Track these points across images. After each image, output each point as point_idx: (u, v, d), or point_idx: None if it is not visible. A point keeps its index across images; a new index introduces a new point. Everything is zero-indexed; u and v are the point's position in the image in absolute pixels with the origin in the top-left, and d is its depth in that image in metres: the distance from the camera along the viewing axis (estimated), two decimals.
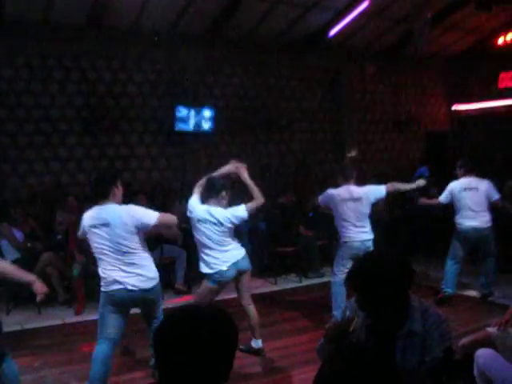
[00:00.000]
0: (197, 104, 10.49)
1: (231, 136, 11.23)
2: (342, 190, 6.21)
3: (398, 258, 2.56)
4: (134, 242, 4.26)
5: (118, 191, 4.36)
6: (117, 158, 10.10)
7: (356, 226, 6.11)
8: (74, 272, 7.00)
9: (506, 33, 11.75)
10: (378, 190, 6.23)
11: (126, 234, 4.21)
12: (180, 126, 10.27)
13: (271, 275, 8.38)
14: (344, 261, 6.06)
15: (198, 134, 10.56)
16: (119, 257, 4.22)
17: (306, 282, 8.27)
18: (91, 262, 7.04)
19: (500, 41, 11.93)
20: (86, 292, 7.05)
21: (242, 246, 9.32)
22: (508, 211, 7.28)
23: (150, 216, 4.30)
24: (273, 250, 8.51)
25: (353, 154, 12.40)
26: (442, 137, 14.31)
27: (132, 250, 4.25)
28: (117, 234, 4.19)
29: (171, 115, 10.26)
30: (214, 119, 10.54)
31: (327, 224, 9.26)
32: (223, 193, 5.14)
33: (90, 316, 6.52)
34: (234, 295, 7.49)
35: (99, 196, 4.34)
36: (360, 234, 6.11)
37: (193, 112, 10.31)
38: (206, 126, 10.48)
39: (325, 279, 8.30)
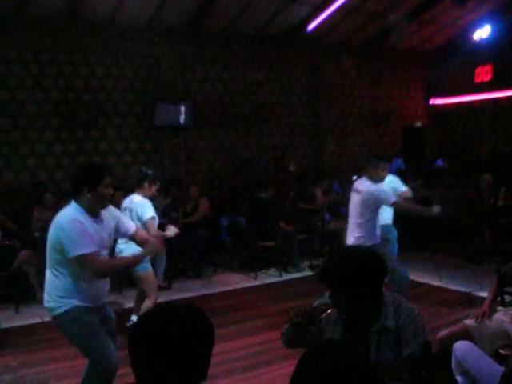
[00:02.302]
0: (175, 98, 10.44)
1: (210, 131, 11.21)
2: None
3: (371, 254, 2.59)
4: None
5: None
6: (95, 153, 10.01)
7: None
8: None
9: (481, 27, 11.87)
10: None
11: None
12: (159, 121, 10.22)
13: (251, 270, 8.38)
14: None
15: (176, 128, 10.52)
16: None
17: (286, 277, 8.28)
18: None
19: (476, 35, 12.05)
20: None
21: (223, 240, 9.45)
22: None
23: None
24: (253, 245, 8.50)
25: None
26: (420, 131, 14.43)
27: None
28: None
29: (149, 110, 10.21)
30: (193, 114, 10.51)
31: (307, 218, 9.35)
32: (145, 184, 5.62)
33: None
34: (213, 291, 7.56)
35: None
36: None
37: (171, 107, 10.26)
38: (185, 120, 10.43)
39: (305, 273, 8.35)
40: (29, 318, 6.57)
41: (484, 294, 5.51)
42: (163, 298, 7.18)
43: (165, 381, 1.63)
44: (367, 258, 2.53)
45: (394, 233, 7.54)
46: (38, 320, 6.48)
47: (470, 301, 6.37)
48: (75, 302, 3.45)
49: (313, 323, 2.55)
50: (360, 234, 5.47)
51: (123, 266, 4.29)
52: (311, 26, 10.93)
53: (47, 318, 6.48)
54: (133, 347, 1.66)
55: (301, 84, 12.47)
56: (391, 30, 9.64)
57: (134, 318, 5.89)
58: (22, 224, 7.99)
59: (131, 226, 3.93)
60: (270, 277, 8.34)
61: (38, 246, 7.40)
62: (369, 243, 5.40)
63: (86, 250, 3.36)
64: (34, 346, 5.60)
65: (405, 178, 10.53)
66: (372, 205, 5.42)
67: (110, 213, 3.72)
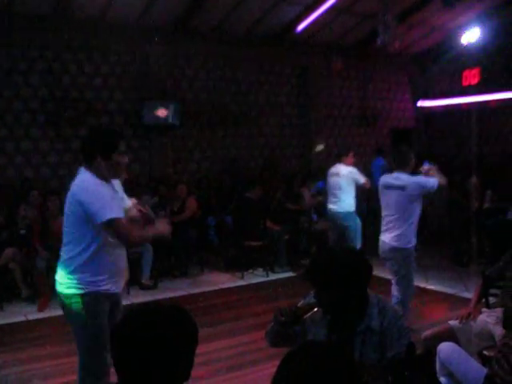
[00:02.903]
0: (164, 97, 10.41)
1: (198, 130, 11.18)
2: None
3: (356, 253, 2.59)
4: None
5: None
6: None
7: None
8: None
9: (470, 31, 11.93)
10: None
11: None
12: (147, 120, 10.19)
13: (238, 270, 8.38)
14: None
15: (165, 127, 10.49)
16: None
17: (272, 277, 8.28)
18: (55, 257, 6.99)
19: (464, 39, 12.12)
20: (50, 288, 6.94)
21: (210, 239, 9.44)
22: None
23: None
24: (240, 245, 8.49)
25: (320, 147, 12.48)
26: (408, 132, 14.48)
27: None
28: None
29: (138, 108, 10.17)
30: (181, 113, 10.48)
31: (294, 218, 9.36)
32: None
33: (53, 312, 6.41)
34: (200, 290, 7.55)
35: None
36: None
37: (160, 105, 10.23)
38: (173, 119, 10.41)
39: (291, 273, 8.36)
40: (13, 316, 6.54)
41: (469, 296, 5.54)
42: (149, 297, 7.19)
43: (147, 381, 1.62)
44: (352, 258, 2.52)
45: (357, 221, 7.75)
46: (22, 318, 6.46)
47: (455, 302, 6.42)
48: (96, 288, 3.19)
49: (297, 323, 2.55)
50: (402, 233, 5.19)
51: (149, 239, 3.84)
52: (301, 27, 10.93)
53: (31, 317, 6.48)
54: (115, 347, 1.65)
55: (290, 84, 12.48)
56: (380, 31, 9.66)
57: None
58: (8, 221, 7.92)
59: (127, 200, 3.70)
60: (256, 277, 8.35)
61: (24, 243, 7.37)
62: (409, 246, 5.21)
63: (114, 214, 3.07)
64: (18, 345, 5.56)
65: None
66: (419, 197, 5.21)
67: (115, 182, 3.46)
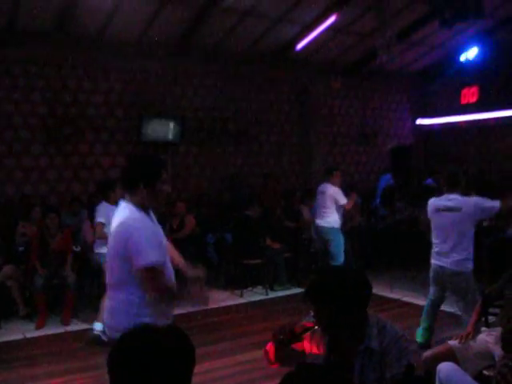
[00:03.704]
0: (164, 114, 10.45)
1: (198, 147, 11.20)
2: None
3: (356, 273, 2.58)
4: None
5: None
6: (82, 167, 9.97)
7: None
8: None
9: (468, 49, 12.04)
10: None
11: None
12: (147, 136, 10.21)
13: (237, 288, 8.34)
14: None
15: (165, 144, 10.52)
16: None
17: (272, 295, 8.24)
18: (53, 274, 6.96)
19: (462, 57, 12.22)
20: (48, 306, 6.91)
21: (209, 257, 9.40)
22: None
23: None
24: (239, 262, 8.47)
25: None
26: (407, 150, 14.53)
27: None
28: None
29: (138, 125, 10.20)
30: (181, 130, 10.52)
31: (294, 236, 9.35)
32: None
33: (51, 330, 6.39)
34: (199, 308, 7.48)
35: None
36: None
37: (160, 122, 10.27)
38: (173, 136, 10.44)
39: (291, 291, 8.32)
40: (11, 333, 6.48)
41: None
42: None
43: None
44: (352, 276, 2.52)
45: (341, 236, 8.00)
46: (20, 336, 6.41)
47: (456, 320, 6.36)
48: None
49: (296, 341, 2.53)
50: (464, 257, 5.12)
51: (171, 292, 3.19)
52: (300, 45, 11.00)
53: (29, 335, 6.44)
54: (111, 369, 1.64)
55: (290, 102, 12.54)
56: (380, 50, 9.73)
57: (98, 325, 5.85)
58: (6, 238, 7.89)
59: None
60: (256, 294, 8.31)
61: (22, 260, 7.34)
62: (470, 268, 5.14)
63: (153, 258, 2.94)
64: (16, 363, 5.51)
65: (393, 196, 10.66)
66: (477, 219, 5.19)
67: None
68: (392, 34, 9.63)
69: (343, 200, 8.13)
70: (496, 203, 5.12)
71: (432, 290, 5.52)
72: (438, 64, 13.67)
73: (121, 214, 3.06)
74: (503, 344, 3.45)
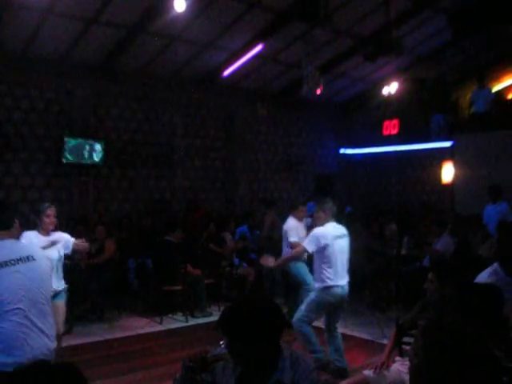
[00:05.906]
0: (87, 135, 10.21)
1: (121, 170, 10.99)
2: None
3: (270, 304, 2.55)
4: None
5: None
6: None
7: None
8: None
9: (389, 84, 12.51)
10: None
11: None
12: (68, 157, 9.93)
13: (157, 314, 8.16)
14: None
15: (87, 166, 10.26)
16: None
17: (192, 322, 8.11)
18: None
19: (384, 91, 12.67)
20: None
21: (130, 282, 9.15)
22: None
23: None
24: (159, 288, 8.30)
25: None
26: (331, 178, 14.83)
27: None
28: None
29: (59, 146, 9.90)
30: (105, 152, 10.30)
31: (215, 262, 9.28)
32: None
33: None
34: (116, 335, 7.26)
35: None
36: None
37: (82, 143, 10.02)
38: (96, 158, 10.22)
39: (211, 319, 8.21)
40: None
41: (386, 342, 5.60)
42: (64, 342, 6.82)
43: None
44: (266, 308, 2.48)
45: (297, 265, 7.56)
46: None
47: (373, 348, 6.47)
48: None
49: (206, 370, 2.47)
50: None
51: None
52: (227, 72, 11.10)
53: None
54: None
55: (216, 127, 12.56)
56: (304, 81, 9.97)
57: None
58: None
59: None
60: (175, 321, 8.15)
61: None
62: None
63: None
64: None
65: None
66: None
67: None
68: (315, 66, 9.90)
69: (292, 238, 7.55)
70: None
71: None
72: (361, 96, 14.15)
73: None
74: (411, 378, 3.50)
